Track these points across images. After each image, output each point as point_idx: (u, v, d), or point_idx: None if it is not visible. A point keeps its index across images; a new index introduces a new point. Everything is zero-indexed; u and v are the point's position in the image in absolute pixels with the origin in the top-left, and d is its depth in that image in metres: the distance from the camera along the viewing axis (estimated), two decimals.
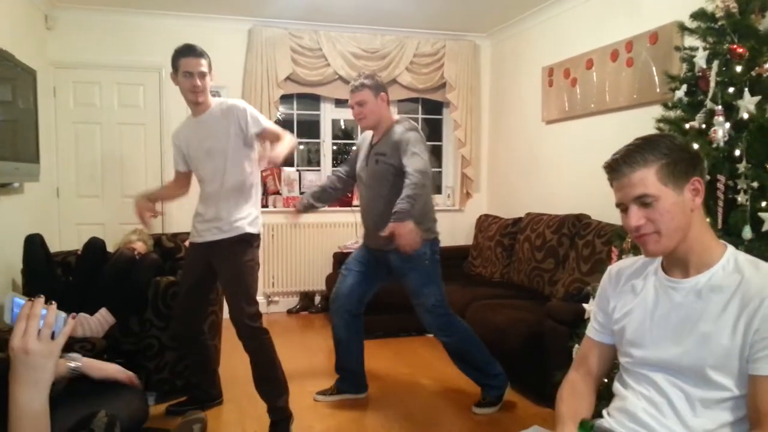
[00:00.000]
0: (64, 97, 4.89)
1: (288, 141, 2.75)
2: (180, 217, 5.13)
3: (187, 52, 2.68)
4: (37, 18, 4.59)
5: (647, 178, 1.25)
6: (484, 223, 5.25)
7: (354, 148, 3.48)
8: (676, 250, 1.30)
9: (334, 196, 3.42)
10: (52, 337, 1.12)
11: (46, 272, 3.26)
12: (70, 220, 4.89)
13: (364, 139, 3.30)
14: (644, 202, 1.26)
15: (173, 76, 2.75)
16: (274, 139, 2.78)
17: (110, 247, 3.47)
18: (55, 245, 4.07)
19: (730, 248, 1.32)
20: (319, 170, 5.65)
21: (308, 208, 3.35)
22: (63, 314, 1.16)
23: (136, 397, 2.26)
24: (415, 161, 2.88)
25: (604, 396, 1.54)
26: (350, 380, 3.35)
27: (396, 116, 3.18)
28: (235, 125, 2.74)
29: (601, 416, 1.45)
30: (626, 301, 1.43)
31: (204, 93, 2.74)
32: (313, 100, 5.59)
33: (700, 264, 1.30)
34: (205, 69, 2.70)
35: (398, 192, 2.87)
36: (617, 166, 1.29)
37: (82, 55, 4.88)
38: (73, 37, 4.85)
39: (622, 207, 1.30)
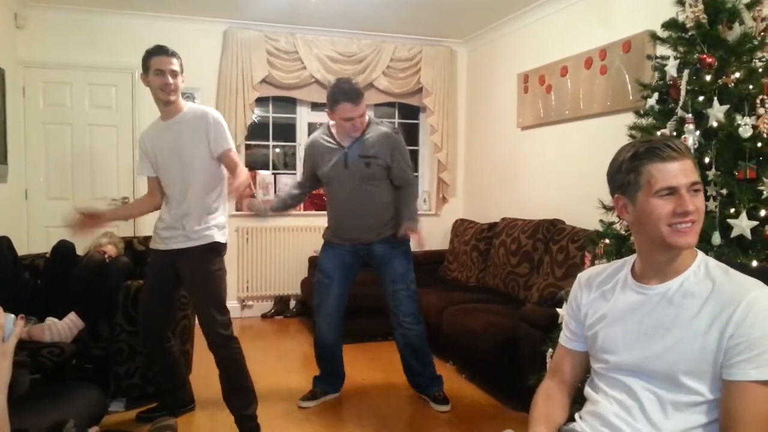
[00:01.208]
0: (34, 97, 4.78)
1: (246, 174, 2.69)
2: (151, 220, 5.06)
3: (158, 51, 2.67)
4: (7, 16, 4.49)
5: (691, 167, 1.27)
6: (460, 227, 5.27)
7: (302, 154, 3.51)
8: (658, 256, 1.33)
9: (292, 206, 3.49)
10: (3, 339, 1.12)
11: (14, 276, 3.18)
12: (38, 223, 4.78)
13: (316, 142, 3.23)
14: (696, 189, 1.27)
15: (144, 76, 2.71)
16: (231, 167, 2.72)
17: (80, 251, 3.41)
18: (23, 248, 3.97)
19: (701, 254, 1.34)
20: (294, 173, 5.62)
21: (263, 213, 3.39)
22: (12, 316, 1.16)
23: (94, 394, 2.24)
24: (410, 171, 3.21)
25: (577, 400, 1.55)
26: (332, 381, 3.39)
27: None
28: (206, 133, 2.70)
29: (573, 420, 1.46)
30: (597, 308, 1.45)
31: (176, 92, 2.69)
32: (289, 103, 5.56)
33: (675, 269, 1.32)
34: (176, 68, 2.67)
35: (390, 188, 3.16)
36: (681, 147, 1.28)
37: (53, 55, 4.79)
38: (44, 36, 4.76)
39: (669, 191, 1.26)
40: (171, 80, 2.65)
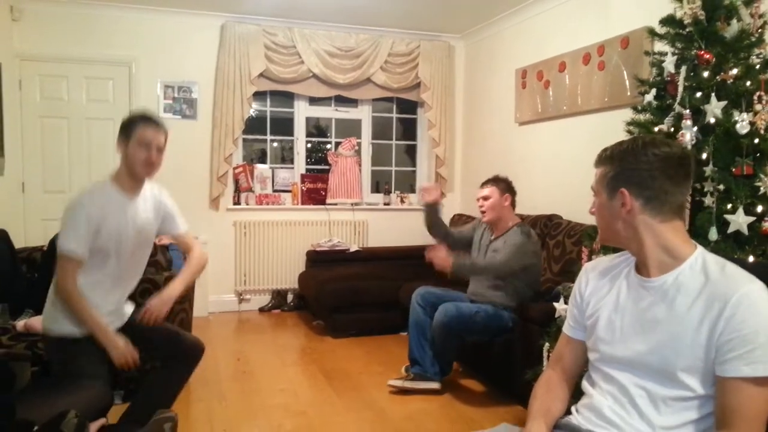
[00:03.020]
0: (31, 91, 4.77)
1: (195, 263, 2.52)
2: None
3: (147, 120, 2.33)
4: (2, 8, 4.47)
5: (597, 176, 1.40)
6: (458, 222, 5.27)
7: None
8: (632, 251, 1.38)
9: (443, 233, 3.64)
10: None
11: (11, 268, 3.18)
12: (35, 216, 4.77)
13: (478, 227, 3.60)
14: (594, 193, 1.42)
15: (121, 142, 2.31)
16: (191, 245, 2.58)
17: None
18: (20, 241, 3.97)
19: (700, 248, 1.33)
20: (292, 168, 5.62)
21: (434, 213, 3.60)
22: None
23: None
24: (502, 258, 3.26)
25: (574, 394, 1.56)
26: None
27: (516, 218, 3.46)
28: (163, 212, 2.51)
29: (569, 413, 1.47)
30: (599, 297, 1.45)
31: (156, 170, 2.36)
32: (287, 98, 5.55)
33: (662, 264, 1.32)
34: (163, 143, 2.35)
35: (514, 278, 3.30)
36: (597, 156, 1.41)
37: (50, 48, 4.77)
38: (40, 29, 4.74)
39: None
40: (155, 157, 2.31)
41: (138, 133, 2.28)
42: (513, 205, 3.46)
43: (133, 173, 2.33)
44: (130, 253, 2.40)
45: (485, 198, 3.40)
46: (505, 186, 3.43)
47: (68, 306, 2.25)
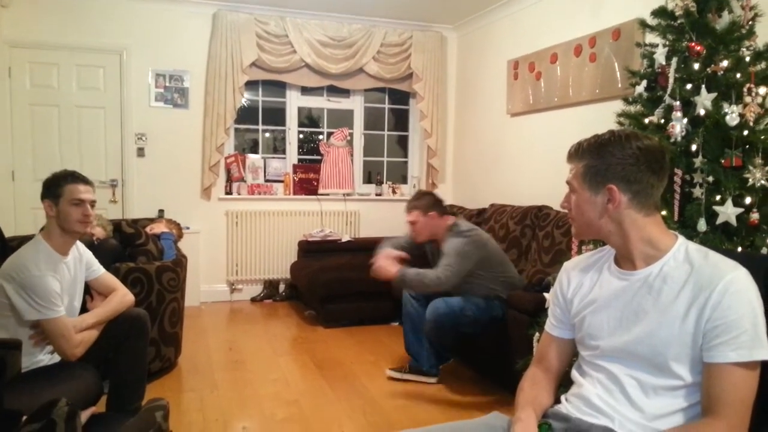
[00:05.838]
0: (20, 78, 4.73)
1: (114, 303, 2.49)
2: (140, 202, 5.05)
3: (73, 178, 2.33)
4: None
5: (576, 170, 1.38)
6: (449, 213, 5.28)
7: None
8: (615, 245, 1.39)
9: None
10: None
11: (1, 257, 3.16)
12: (25, 204, 4.74)
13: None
14: (571, 188, 1.40)
15: (50, 201, 2.30)
16: (114, 285, 2.60)
17: None
18: (9, 230, 3.94)
19: (681, 238, 1.35)
20: (284, 158, 5.60)
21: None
22: None
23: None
24: (440, 270, 3.15)
25: (563, 383, 1.58)
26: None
27: (450, 220, 3.43)
28: (83, 265, 2.51)
29: (559, 402, 1.49)
30: (583, 295, 1.47)
31: (92, 224, 2.44)
32: (279, 87, 5.53)
33: (647, 257, 1.34)
34: (94, 197, 2.38)
35: (482, 278, 3.30)
36: (571, 150, 1.41)
37: (40, 35, 4.72)
38: (30, 15, 4.69)
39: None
40: (91, 211, 2.34)
41: (68, 192, 2.29)
42: (442, 212, 3.42)
43: (70, 231, 2.34)
44: (72, 306, 2.44)
45: (412, 223, 3.40)
46: (426, 203, 3.40)
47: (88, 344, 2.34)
